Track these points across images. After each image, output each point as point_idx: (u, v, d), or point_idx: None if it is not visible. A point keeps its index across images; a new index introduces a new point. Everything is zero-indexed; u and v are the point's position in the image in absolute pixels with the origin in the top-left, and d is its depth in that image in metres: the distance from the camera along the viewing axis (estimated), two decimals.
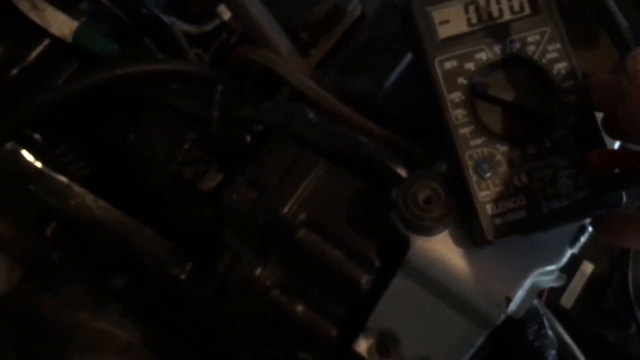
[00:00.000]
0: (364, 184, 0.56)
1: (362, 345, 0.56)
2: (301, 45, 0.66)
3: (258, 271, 0.59)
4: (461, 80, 0.47)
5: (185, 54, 0.66)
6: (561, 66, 0.47)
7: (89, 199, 0.65)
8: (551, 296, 0.53)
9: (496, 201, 0.46)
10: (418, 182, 0.48)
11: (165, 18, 0.65)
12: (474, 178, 0.46)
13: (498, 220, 0.46)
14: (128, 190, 0.75)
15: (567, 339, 0.49)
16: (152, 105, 0.62)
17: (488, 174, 0.46)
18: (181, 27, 0.65)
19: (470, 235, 0.49)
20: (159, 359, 0.99)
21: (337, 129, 0.54)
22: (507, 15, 0.48)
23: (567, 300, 0.53)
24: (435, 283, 0.49)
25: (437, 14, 0.48)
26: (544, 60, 0.47)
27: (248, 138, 0.61)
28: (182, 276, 0.70)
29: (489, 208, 0.46)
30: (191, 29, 0.66)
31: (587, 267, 0.55)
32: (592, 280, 0.54)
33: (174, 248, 0.70)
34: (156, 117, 0.62)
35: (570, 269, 0.54)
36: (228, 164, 0.62)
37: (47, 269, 0.96)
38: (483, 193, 0.46)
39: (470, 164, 0.47)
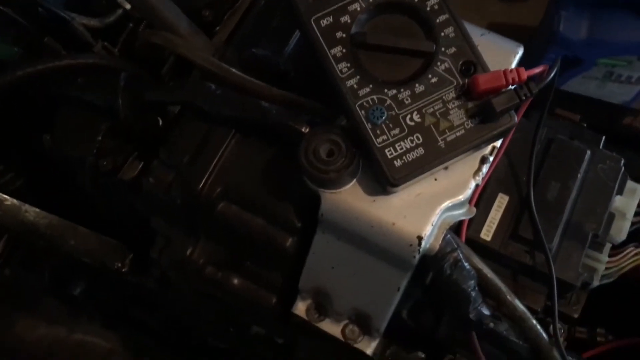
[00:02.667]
0: (276, 150, 0.56)
1: (300, 308, 0.57)
2: (206, 24, 0.65)
3: (189, 251, 0.59)
4: (339, 34, 0.48)
5: (91, 48, 0.65)
6: (433, 2, 0.48)
7: (14, 204, 0.64)
8: (471, 231, 0.54)
9: (393, 144, 0.47)
10: (318, 137, 0.49)
11: (65, 14, 0.64)
12: (368, 126, 0.47)
13: (398, 162, 0.47)
14: (60, 193, 0.75)
15: (485, 269, 0.50)
16: (62, 103, 0.62)
17: (381, 120, 0.47)
18: (82, 21, 0.65)
19: (377, 182, 0.49)
20: None
21: (239, 98, 0.55)
22: None
23: (487, 233, 0.54)
24: (350, 234, 0.50)
25: None
26: (415, 0, 0.48)
27: (160, 122, 0.61)
28: (124, 269, 0.70)
29: (387, 152, 0.47)
30: (93, 22, 0.65)
31: (503, 199, 0.56)
32: (508, 211, 0.55)
33: (112, 243, 0.70)
34: (66, 113, 0.61)
35: (487, 203, 0.55)
36: (147, 151, 0.62)
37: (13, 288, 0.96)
38: (380, 139, 0.47)
39: (362, 113, 0.47)
